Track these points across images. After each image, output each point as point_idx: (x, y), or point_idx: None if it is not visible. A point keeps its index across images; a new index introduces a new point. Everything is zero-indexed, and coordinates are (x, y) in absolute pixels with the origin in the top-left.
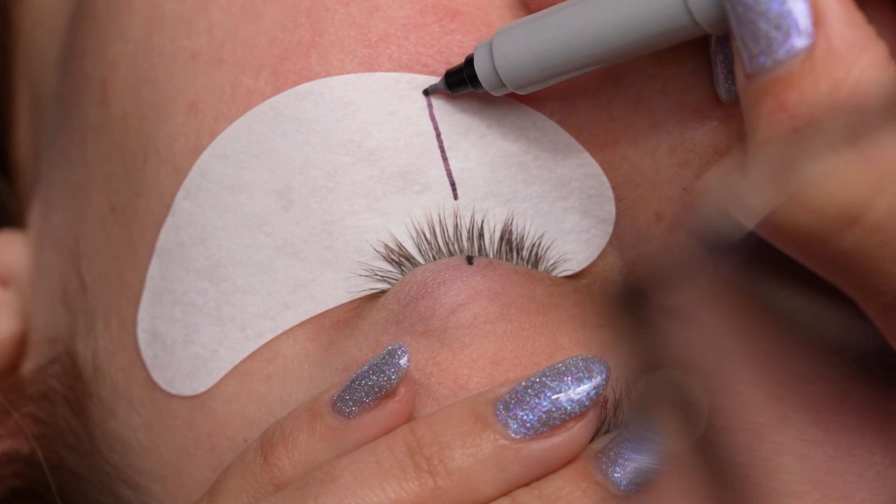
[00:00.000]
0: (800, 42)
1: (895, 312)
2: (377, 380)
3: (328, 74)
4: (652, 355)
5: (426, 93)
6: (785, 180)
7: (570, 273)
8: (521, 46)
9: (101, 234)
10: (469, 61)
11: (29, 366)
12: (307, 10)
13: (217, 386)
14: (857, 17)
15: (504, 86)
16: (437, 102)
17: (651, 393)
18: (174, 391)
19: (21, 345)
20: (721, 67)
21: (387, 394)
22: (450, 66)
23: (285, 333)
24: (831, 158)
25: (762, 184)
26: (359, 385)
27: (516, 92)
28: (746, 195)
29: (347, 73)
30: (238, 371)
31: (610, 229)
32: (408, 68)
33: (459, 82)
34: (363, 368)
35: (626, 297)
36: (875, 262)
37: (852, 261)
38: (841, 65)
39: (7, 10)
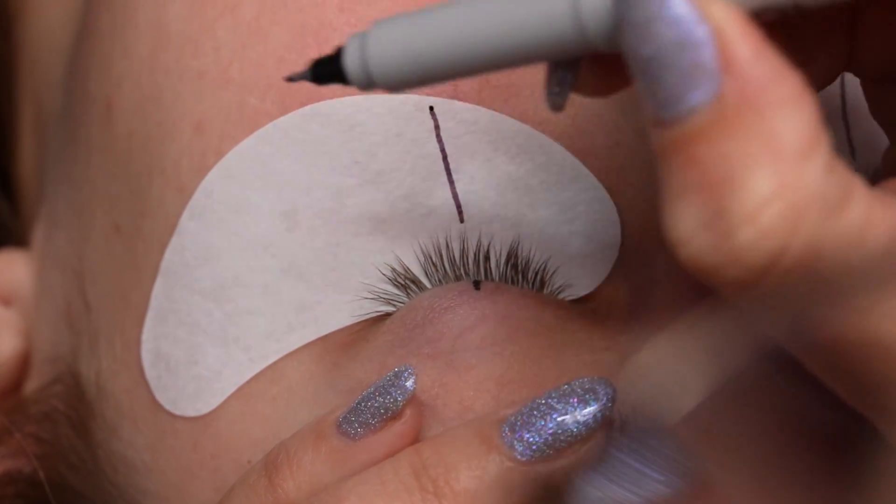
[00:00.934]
0: (707, 91)
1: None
2: (383, 401)
3: (335, 96)
4: None
5: (289, 79)
6: (710, 235)
7: (575, 297)
8: (397, 44)
9: (105, 253)
10: (340, 52)
11: (31, 385)
12: (315, 30)
13: (221, 407)
14: (766, 54)
15: (375, 84)
16: (444, 125)
17: None
18: (178, 412)
19: (24, 364)
20: None
21: (393, 416)
22: (457, 88)
23: (290, 355)
24: (751, 212)
25: (690, 237)
26: (364, 407)
27: (388, 91)
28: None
29: (354, 94)
30: (242, 392)
31: (615, 254)
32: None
33: (327, 74)
34: (369, 390)
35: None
36: (803, 297)
37: (785, 300)
38: (750, 111)
39: (8, 27)
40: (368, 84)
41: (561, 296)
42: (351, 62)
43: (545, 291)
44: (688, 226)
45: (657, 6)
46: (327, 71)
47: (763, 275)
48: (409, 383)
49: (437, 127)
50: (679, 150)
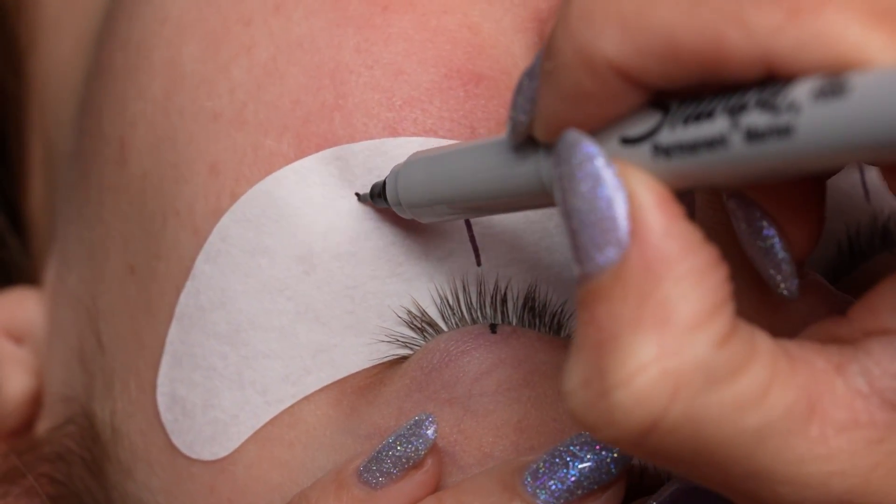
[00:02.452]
0: (612, 253)
1: (728, 491)
2: (404, 451)
3: (352, 138)
4: None
5: (357, 195)
6: (589, 392)
7: None
8: (418, 183)
9: (119, 294)
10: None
11: (44, 425)
12: (331, 72)
13: (238, 451)
14: (679, 227)
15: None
16: None
17: None
18: (194, 455)
19: (35, 403)
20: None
21: (414, 465)
22: (475, 131)
23: (307, 398)
24: (627, 376)
25: (573, 390)
26: (385, 456)
27: (419, 221)
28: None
29: (371, 136)
30: (259, 436)
31: None
32: (432, 132)
33: (378, 196)
34: (390, 439)
35: None
36: (685, 456)
37: (666, 456)
38: (649, 279)
39: (20, 64)
40: (405, 212)
41: None
42: (390, 194)
43: (562, 334)
44: (573, 380)
45: (578, 164)
46: (378, 193)
47: (642, 437)
48: (430, 432)
49: None
50: (583, 308)
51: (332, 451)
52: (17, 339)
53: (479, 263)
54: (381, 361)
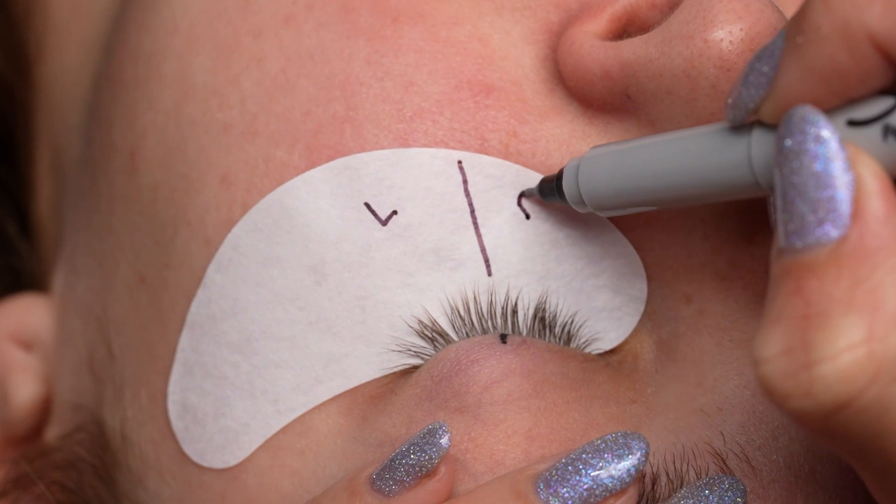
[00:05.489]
0: (832, 232)
1: (884, 477)
2: (418, 459)
3: (363, 149)
4: None
5: (521, 195)
6: (791, 362)
7: (601, 350)
8: (603, 176)
9: (130, 304)
10: (561, 175)
11: (53, 432)
12: (341, 84)
13: (249, 459)
14: None
15: (586, 207)
16: (472, 179)
17: None
18: (206, 464)
19: (44, 410)
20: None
21: (427, 473)
22: (485, 142)
23: (318, 408)
24: (834, 353)
25: (771, 358)
26: (399, 464)
27: (597, 213)
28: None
29: (382, 148)
30: (270, 445)
31: (641, 307)
32: (443, 144)
33: (551, 191)
34: (403, 447)
35: None
36: (861, 438)
37: (842, 435)
38: (866, 264)
39: (28, 70)
40: (582, 205)
41: (587, 349)
42: (567, 188)
43: (572, 345)
44: (771, 348)
45: (812, 141)
46: (550, 188)
47: (832, 413)
48: (444, 441)
49: (465, 181)
50: (790, 278)
51: (343, 459)
52: (26, 345)
53: (489, 274)
54: (391, 371)
